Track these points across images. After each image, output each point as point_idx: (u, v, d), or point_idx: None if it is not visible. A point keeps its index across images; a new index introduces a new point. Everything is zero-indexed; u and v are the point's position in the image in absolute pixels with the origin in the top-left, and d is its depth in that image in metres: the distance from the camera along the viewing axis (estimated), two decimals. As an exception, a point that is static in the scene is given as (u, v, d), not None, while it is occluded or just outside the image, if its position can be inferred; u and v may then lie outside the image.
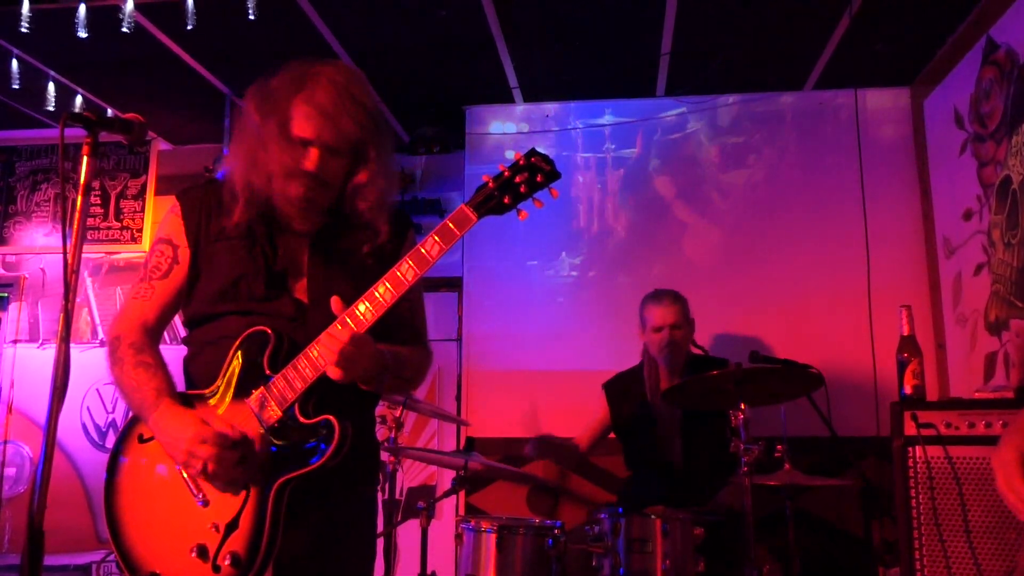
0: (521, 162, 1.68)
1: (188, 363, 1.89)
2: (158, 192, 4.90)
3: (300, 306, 1.82)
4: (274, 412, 1.70)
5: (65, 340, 1.49)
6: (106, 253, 4.88)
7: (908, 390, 2.95)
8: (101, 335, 4.73)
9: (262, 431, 1.71)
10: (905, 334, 3.02)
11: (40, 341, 4.82)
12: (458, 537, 2.86)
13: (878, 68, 4.14)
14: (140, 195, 4.91)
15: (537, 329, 4.35)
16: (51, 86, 4.09)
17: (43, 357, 4.78)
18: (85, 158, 1.57)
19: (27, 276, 4.93)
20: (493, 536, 2.75)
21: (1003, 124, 3.32)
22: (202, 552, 1.67)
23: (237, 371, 1.76)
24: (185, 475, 1.72)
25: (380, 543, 2.96)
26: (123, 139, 1.70)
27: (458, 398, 4.41)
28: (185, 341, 1.92)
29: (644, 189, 4.43)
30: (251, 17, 3.30)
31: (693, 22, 3.69)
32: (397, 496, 4.19)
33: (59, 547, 4.42)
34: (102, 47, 3.77)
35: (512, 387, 4.26)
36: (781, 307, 4.16)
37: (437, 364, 4.44)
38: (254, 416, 1.72)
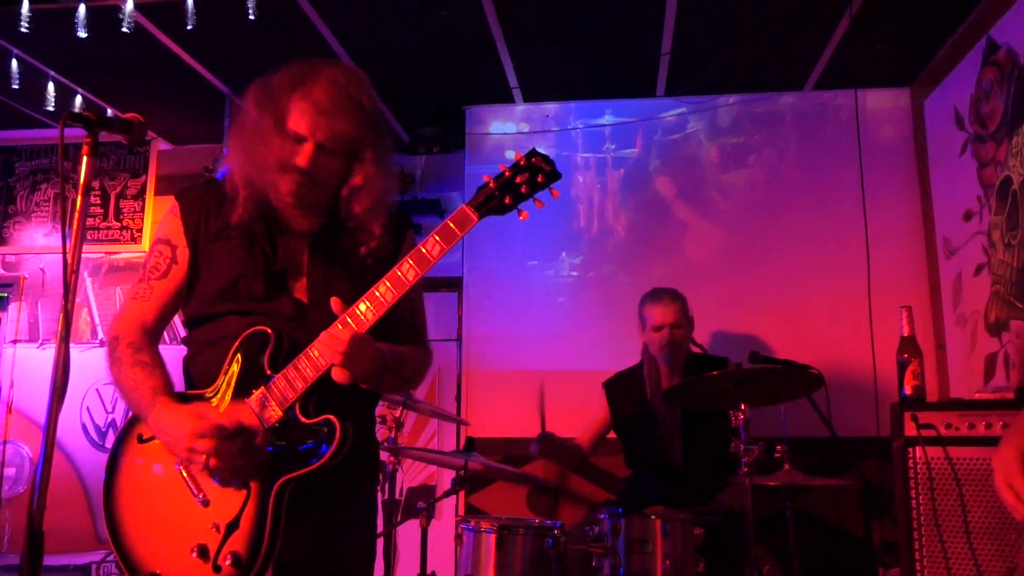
0: (522, 162, 1.68)
1: (188, 363, 1.89)
2: (158, 192, 4.90)
3: (300, 306, 1.82)
4: (275, 412, 1.70)
5: (65, 340, 1.49)
6: (106, 253, 4.88)
7: (908, 391, 2.95)
8: (101, 335, 4.73)
9: (263, 429, 1.71)
10: (905, 335, 3.02)
11: (40, 341, 4.82)
12: (458, 537, 2.86)
13: (878, 68, 4.14)
14: (140, 195, 4.91)
15: (537, 329, 4.35)
16: (51, 86, 4.08)
17: (43, 357, 4.78)
18: (85, 158, 1.57)
19: (27, 276, 4.93)
20: (493, 536, 2.75)
21: (1003, 125, 3.32)
22: (203, 552, 1.67)
23: (237, 371, 1.76)
24: (185, 475, 1.72)
25: (380, 543, 2.96)
26: (123, 139, 1.70)
27: (458, 398, 4.41)
28: (185, 341, 1.91)
29: (644, 189, 4.43)
30: (251, 17, 3.29)
31: (693, 22, 3.69)
32: (397, 496, 4.19)
33: (59, 547, 4.42)
34: (102, 47, 3.77)
35: (512, 387, 4.26)
36: (781, 307, 4.16)
37: (437, 364, 4.43)
38: (255, 416, 1.72)
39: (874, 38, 3.80)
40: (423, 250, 1.67)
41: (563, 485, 3.99)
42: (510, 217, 1.69)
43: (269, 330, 1.74)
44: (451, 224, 1.67)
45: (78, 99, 4.28)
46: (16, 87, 3.98)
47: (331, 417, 1.66)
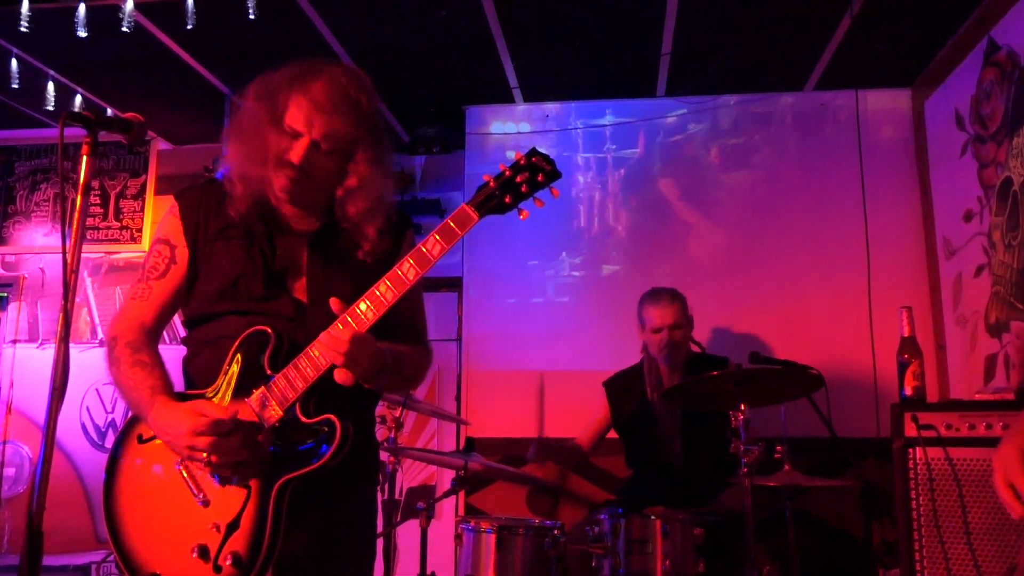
0: (522, 162, 1.68)
1: (187, 363, 1.89)
2: (158, 192, 4.90)
3: (299, 306, 1.81)
4: (275, 412, 1.70)
5: (64, 340, 1.49)
6: (105, 253, 4.88)
7: (908, 391, 2.95)
8: (100, 335, 4.73)
9: (263, 425, 1.71)
10: (905, 335, 3.02)
11: (39, 341, 4.82)
12: (458, 537, 2.86)
13: (879, 69, 4.14)
14: (140, 195, 4.91)
15: (537, 329, 4.35)
16: (51, 86, 4.08)
17: (42, 357, 4.78)
18: (85, 158, 1.57)
19: (26, 276, 4.93)
20: (493, 536, 2.75)
21: (1004, 125, 3.32)
22: (203, 552, 1.66)
23: (237, 371, 1.75)
24: (185, 475, 1.72)
25: (380, 543, 2.96)
26: (123, 139, 1.69)
27: (458, 398, 4.41)
28: (184, 341, 1.91)
29: (644, 189, 4.43)
30: (251, 17, 3.29)
31: (693, 22, 3.69)
32: (397, 496, 4.19)
33: (58, 547, 4.42)
34: (102, 47, 3.77)
35: (512, 387, 4.26)
36: (781, 307, 4.16)
37: (437, 364, 4.43)
38: (255, 416, 1.71)
39: (875, 38, 3.80)
40: (423, 249, 1.67)
41: (563, 485, 3.99)
42: (510, 217, 1.69)
43: (269, 330, 1.73)
44: (451, 223, 1.67)
45: (78, 99, 4.28)
46: (16, 87, 3.98)
47: (331, 417, 1.66)
